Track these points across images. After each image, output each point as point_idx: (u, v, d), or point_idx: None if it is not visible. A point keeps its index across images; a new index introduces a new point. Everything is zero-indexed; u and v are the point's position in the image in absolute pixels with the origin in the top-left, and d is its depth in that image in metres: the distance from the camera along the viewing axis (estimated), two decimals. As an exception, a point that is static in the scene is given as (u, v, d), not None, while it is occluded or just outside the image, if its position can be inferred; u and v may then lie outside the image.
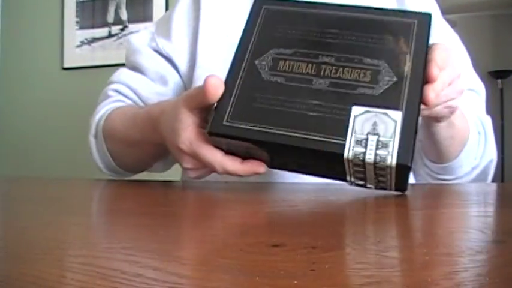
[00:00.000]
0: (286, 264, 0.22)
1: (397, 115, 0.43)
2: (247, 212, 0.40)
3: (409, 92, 0.45)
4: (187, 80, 0.75)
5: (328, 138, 0.43)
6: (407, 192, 0.46)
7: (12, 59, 2.44)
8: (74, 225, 0.34)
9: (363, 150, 0.42)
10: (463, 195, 0.53)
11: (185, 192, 0.57)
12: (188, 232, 0.33)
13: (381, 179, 0.44)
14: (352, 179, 0.46)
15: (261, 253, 0.25)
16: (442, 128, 0.58)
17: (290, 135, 0.44)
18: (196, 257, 0.25)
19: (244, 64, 0.49)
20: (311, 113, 0.45)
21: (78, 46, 2.31)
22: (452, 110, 0.54)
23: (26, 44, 2.42)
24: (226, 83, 0.48)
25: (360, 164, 0.43)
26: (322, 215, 0.38)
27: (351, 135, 0.43)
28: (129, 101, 0.76)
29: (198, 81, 0.70)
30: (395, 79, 0.45)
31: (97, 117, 0.73)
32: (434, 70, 0.45)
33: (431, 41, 0.48)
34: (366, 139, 0.42)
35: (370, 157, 0.42)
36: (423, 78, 0.45)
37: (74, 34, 2.32)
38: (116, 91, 0.77)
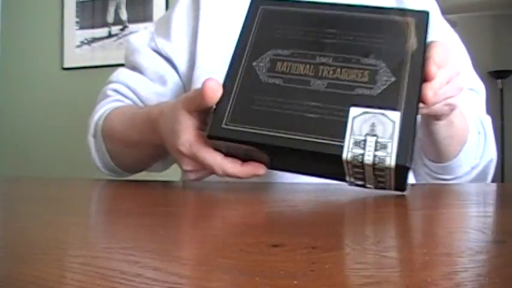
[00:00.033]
0: (286, 264, 0.22)
1: (396, 116, 0.43)
2: (247, 212, 0.40)
3: (408, 91, 0.44)
4: (187, 80, 0.75)
5: (327, 140, 0.43)
6: (407, 192, 0.46)
7: (12, 59, 2.44)
8: (74, 225, 0.34)
9: (361, 151, 0.42)
10: (463, 195, 0.53)
11: (185, 192, 0.57)
12: (188, 232, 0.33)
13: (380, 179, 0.44)
14: (352, 180, 0.46)
15: (261, 253, 0.24)
16: (441, 127, 0.58)
17: (289, 138, 0.44)
18: (196, 257, 0.25)
19: (242, 66, 0.49)
20: (309, 115, 0.45)
21: (78, 46, 2.31)
22: (451, 108, 0.53)
23: (26, 44, 2.42)
24: (224, 85, 0.48)
25: (358, 165, 0.43)
26: (322, 215, 0.38)
27: (350, 136, 0.43)
28: (128, 101, 0.76)
29: (198, 81, 0.71)
30: (393, 79, 0.45)
31: (96, 116, 0.73)
32: (432, 68, 0.45)
33: (429, 40, 0.48)
34: (365, 140, 0.42)
35: (369, 158, 0.42)
36: (421, 76, 0.45)
37: (74, 34, 2.32)
38: (115, 91, 0.77)
